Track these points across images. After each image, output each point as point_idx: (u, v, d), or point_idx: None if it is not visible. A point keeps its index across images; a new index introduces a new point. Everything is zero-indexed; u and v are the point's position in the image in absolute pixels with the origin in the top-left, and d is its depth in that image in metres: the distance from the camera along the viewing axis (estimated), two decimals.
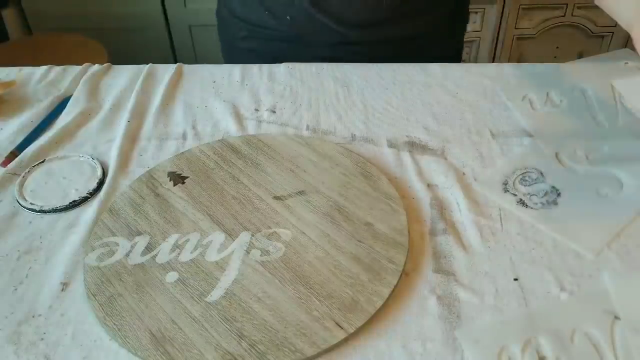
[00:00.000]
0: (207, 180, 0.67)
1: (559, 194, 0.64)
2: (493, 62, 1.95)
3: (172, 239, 0.60)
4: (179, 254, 0.59)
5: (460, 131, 0.74)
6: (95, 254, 0.59)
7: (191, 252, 0.59)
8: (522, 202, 0.63)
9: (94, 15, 1.91)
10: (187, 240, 0.60)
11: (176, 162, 0.70)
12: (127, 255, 0.59)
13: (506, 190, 0.64)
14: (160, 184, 0.67)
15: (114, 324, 0.53)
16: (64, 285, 0.56)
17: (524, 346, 0.50)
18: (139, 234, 0.61)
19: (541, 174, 0.67)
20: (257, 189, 0.66)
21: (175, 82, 0.84)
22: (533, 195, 0.64)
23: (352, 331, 0.51)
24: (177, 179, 0.68)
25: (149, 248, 0.60)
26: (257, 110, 0.79)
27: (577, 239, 0.59)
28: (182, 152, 0.72)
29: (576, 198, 0.64)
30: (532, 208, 0.62)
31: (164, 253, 0.59)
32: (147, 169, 0.69)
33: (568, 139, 0.72)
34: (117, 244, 0.60)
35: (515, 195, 0.64)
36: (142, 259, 0.58)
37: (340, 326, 0.52)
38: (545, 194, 0.64)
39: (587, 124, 0.75)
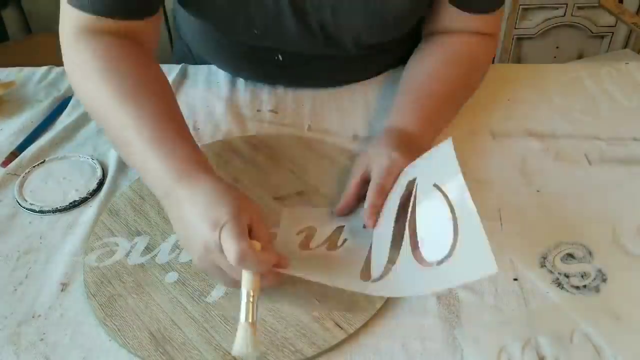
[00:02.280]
0: None
1: (604, 280, 0.56)
2: (493, 62, 1.95)
3: (172, 239, 0.60)
4: (178, 254, 0.59)
5: (460, 131, 0.74)
6: (95, 254, 0.59)
7: None
8: (557, 282, 0.56)
9: None
10: None
11: None
12: (127, 255, 0.59)
13: (543, 266, 0.57)
14: None
15: (114, 324, 0.53)
16: (64, 286, 0.56)
17: (524, 346, 0.50)
18: (139, 234, 0.61)
19: (589, 252, 0.59)
20: (257, 189, 0.66)
21: (178, 83, 0.84)
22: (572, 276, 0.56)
23: (352, 332, 0.51)
24: None
25: (148, 248, 0.59)
26: (259, 111, 0.79)
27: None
28: None
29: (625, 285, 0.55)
30: (566, 291, 0.55)
31: (163, 253, 0.59)
32: None
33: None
34: (116, 244, 0.60)
35: (552, 272, 0.57)
36: (141, 259, 0.58)
37: (340, 326, 0.52)
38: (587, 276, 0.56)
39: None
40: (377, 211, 0.58)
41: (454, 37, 0.75)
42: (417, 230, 0.54)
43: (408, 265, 0.53)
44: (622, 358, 0.49)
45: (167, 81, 0.65)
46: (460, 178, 0.51)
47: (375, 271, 0.55)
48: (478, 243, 0.47)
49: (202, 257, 0.50)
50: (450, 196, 0.51)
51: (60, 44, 0.65)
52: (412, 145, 0.62)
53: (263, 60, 0.74)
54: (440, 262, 0.50)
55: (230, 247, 0.47)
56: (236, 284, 0.50)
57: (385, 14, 0.70)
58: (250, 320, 0.47)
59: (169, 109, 0.60)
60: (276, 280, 0.52)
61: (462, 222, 0.49)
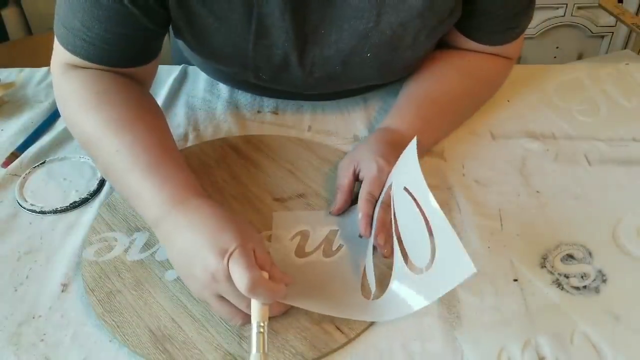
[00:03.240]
0: (207, 179, 0.67)
1: (604, 280, 0.57)
2: None
3: None
4: None
5: (460, 131, 0.74)
6: (93, 248, 0.59)
7: None
8: (556, 283, 0.56)
9: None
10: None
11: None
12: (126, 251, 0.59)
13: (543, 266, 0.57)
14: None
15: (113, 320, 0.53)
16: (64, 286, 0.56)
17: (524, 346, 0.50)
18: (138, 230, 0.61)
19: (589, 253, 0.59)
20: (257, 189, 0.66)
21: (178, 83, 0.84)
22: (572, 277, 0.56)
23: (352, 336, 0.51)
24: None
25: (147, 245, 0.59)
26: (259, 112, 0.79)
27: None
28: (182, 150, 0.71)
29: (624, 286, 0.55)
30: (566, 291, 0.55)
31: (163, 250, 0.58)
32: None
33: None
34: (115, 240, 0.60)
35: (551, 273, 0.57)
36: (141, 256, 0.58)
37: (340, 330, 0.52)
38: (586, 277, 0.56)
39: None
40: (371, 220, 0.57)
41: (470, 53, 0.73)
42: (402, 237, 0.54)
43: (402, 276, 0.53)
44: (622, 358, 0.49)
45: (160, 109, 0.65)
46: (420, 177, 0.50)
47: (372, 283, 0.55)
48: (451, 246, 0.46)
49: (207, 286, 0.49)
50: (416, 197, 0.51)
51: (51, 72, 0.65)
52: (401, 148, 0.59)
53: (264, 88, 0.74)
54: (427, 268, 0.49)
55: (241, 276, 0.46)
56: (237, 315, 0.50)
57: (397, 62, 0.69)
58: (261, 352, 0.47)
59: (163, 137, 0.60)
60: (281, 310, 0.52)
61: (433, 225, 0.48)
